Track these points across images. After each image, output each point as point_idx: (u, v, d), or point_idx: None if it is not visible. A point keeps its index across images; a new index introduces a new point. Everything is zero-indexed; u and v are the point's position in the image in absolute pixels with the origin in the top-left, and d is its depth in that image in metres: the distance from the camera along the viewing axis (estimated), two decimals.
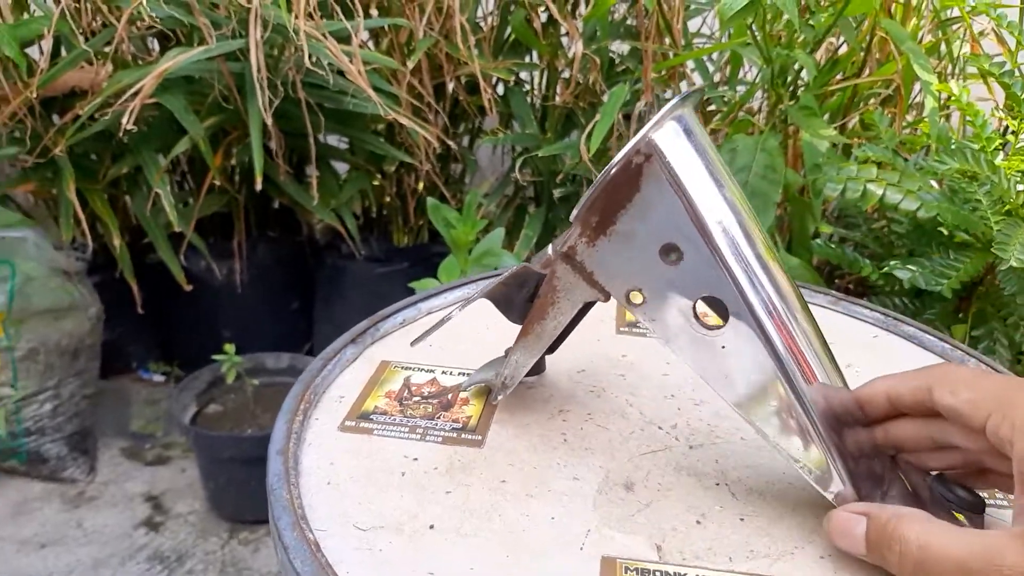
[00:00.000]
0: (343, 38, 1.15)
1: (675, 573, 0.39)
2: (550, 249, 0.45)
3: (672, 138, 0.40)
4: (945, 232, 0.92)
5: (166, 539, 1.38)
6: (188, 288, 1.49)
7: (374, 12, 1.29)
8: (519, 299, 0.49)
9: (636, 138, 0.39)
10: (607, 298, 0.43)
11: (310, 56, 1.03)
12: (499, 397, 0.49)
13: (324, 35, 1.05)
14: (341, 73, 1.13)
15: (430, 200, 1.09)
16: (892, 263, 0.91)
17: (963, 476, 0.42)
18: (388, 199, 1.58)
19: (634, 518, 0.42)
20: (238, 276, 1.60)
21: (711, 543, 0.41)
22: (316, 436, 0.48)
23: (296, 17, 1.03)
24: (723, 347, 0.41)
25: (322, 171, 1.53)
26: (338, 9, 1.14)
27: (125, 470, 1.54)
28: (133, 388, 1.79)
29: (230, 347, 1.40)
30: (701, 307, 0.41)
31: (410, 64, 1.20)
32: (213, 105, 1.24)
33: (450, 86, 1.37)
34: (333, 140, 1.59)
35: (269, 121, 1.12)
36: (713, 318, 0.42)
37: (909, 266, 0.92)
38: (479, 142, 1.51)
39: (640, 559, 0.40)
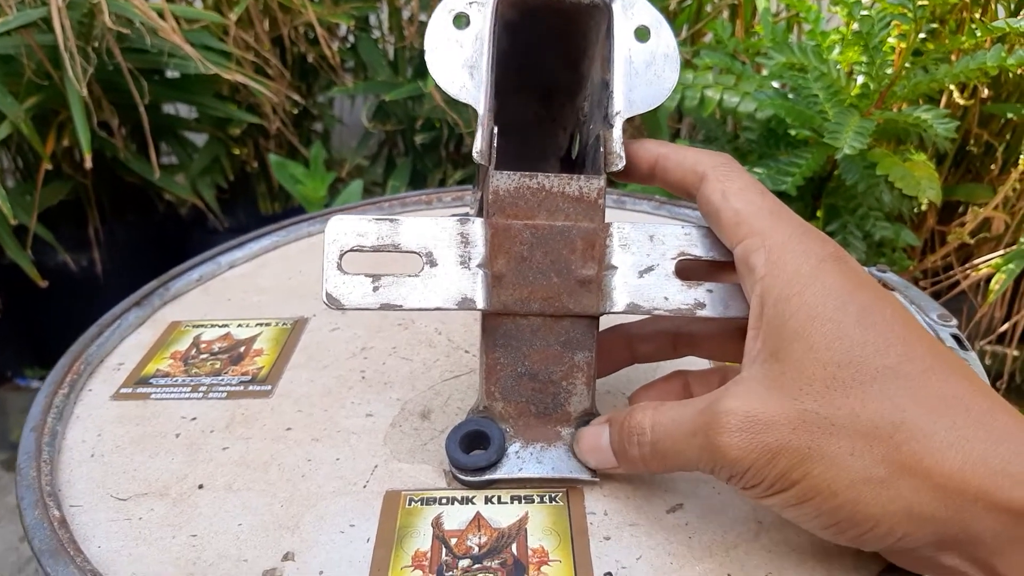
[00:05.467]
0: None
1: (462, 497, 0.36)
2: None
3: None
4: (793, 133, 0.92)
5: None
6: (44, 285, 1.40)
7: None
8: None
9: None
10: None
11: (111, 14, 0.95)
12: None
13: None
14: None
15: (273, 157, 1.04)
16: None
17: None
18: (248, 167, 1.50)
19: (426, 447, 0.40)
20: (99, 266, 1.51)
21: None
22: (85, 408, 0.43)
23: None
24: None
25: (171, 143, 1.44)
26: None
27: (6, 483, 1.46)
28: (9, 398, 1.69)
29: None
30: None
31: (232, 16, 1.13)
32: (30, 84, 1.15)
33: (287, 39, 1.30)
34: (185, 110, 1.50)
35: (84, 92, 1.04)
36: None
37: (756, 169, 0.92)
38: (331, 94, 1.44)
39: (426, 487, 0.37)
